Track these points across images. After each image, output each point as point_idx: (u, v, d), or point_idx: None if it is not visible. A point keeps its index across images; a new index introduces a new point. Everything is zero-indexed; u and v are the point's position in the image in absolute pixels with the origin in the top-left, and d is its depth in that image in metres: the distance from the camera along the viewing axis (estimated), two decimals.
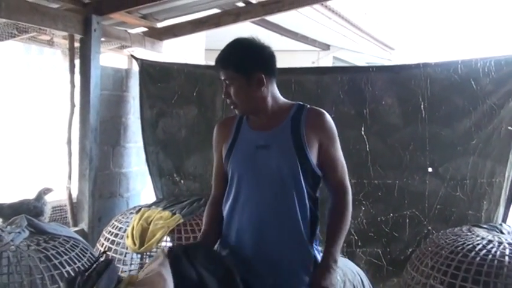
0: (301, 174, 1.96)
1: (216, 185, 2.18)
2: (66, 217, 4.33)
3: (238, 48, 2.01)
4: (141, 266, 3.58)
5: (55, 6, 3.94)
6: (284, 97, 2.11)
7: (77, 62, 4.20)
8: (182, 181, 4.56)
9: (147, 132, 4.70)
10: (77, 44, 4.21)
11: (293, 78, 4.01)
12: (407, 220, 3.85)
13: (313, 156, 1.98)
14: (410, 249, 3.81)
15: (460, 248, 3.03)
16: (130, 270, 3.54)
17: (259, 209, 1.97)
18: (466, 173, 3.71)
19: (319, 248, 2.08)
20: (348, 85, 3.93)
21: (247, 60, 1.98)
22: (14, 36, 4.06)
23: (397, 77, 3.85)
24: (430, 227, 3.79)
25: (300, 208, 1.96)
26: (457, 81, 3.65)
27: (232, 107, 2.04)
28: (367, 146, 3.87)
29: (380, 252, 3.89)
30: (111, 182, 4.70)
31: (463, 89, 3.65)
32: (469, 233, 3.23)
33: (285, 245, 1.96)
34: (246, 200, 2.00)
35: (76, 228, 4.06)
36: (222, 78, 2.00)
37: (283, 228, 1.96)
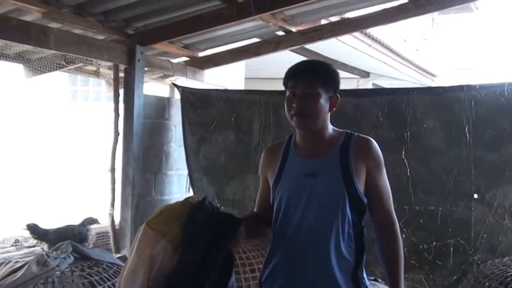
0: (347, 203, 1.95)
1: (259, 206, 2.19)
2: (108, 243, 4.39)
3: (328, 67, 2.07)
4: None
5: (101, 37, 4.09)
6: None
7: (121, 91, 4.32)
8: (222, 207, 4.57)
9: (191, 159, 4.78)
10: (121, 74, 4.34)
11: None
12: (452, 249, 3.70)
13: (361, 185, 1.98)
14: (455, 277, 3.67)
15: (509, 279, 2.90)
16: None
17: (305, 235, 1.95)
18: None
19: (365, 277, 2.05)
20: (388, 108, 3.87)
21: (334, 81, 2.05)
22: (62, 67, 4.23)
23: (440, 100, 3.75)
24: (475, 257, 3.63)
25: (345, 236, 1.95)
26: (503, 104, 3.52)
27: (298, 117, 1.99)
28: (408, 171, 3.76)
29: (423, 278, 3.76)
30: (153, 209, 4.72)
31: (510, 112, 3.51)
32: None
33: (329, 272, 1.93)
34: (294, 227, 1.98)
35: (118, 255, 4.11)
36: (302, 86, 1.99)
37: (328, 256, 1.93)
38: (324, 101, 2.00)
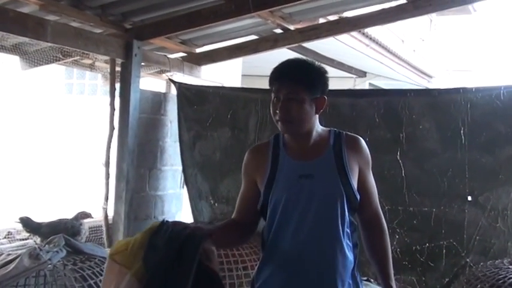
0: (345, 202, 1.95)
1: (241, 210, 2.13)
2: (101, 237, 4.39)
3: (312, 69, 1.99)
4: None
5: (98, 31, 4.08)
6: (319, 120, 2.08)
7: (117, 85, 4.31)
8: (216, 204, 4.58)
9: (186, 155, 4.77)
10: (117, 68, 4.33)
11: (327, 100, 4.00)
12: (444, 251, 3.71)
13: (355, 182, 1.98)
14: (446, 279, 3.68)
15: (501, 281, 2.91)
16: None
17: (305, 237, 1.94)
18: (508, 203, 3.55)
19: (358, 274, 2.05)
20: (384, 108, 3.86)
21: (319, 83, 1.98)
22: (58, 60, 4.22)
23: (436, 102, 3.76)
24: (468, 259, 3.64)
25: (344, 235, 1.95)
26: (499, 107, 3.52)
27: (282, 123, 1.96)
28: (403, 172, 3.76)
29: (415, 280, 3.77)
30: (147, 204, 4.74)
31: (505, 115, 3.52)
32: (510, 266, 3.10)
33: (334, 271, 1.93)
34: (292, 230, 1.95)
35: None
36: (285, 91, 1.93)
37: (332, 256, 1.94)
38: (308, 106, 1.94)
